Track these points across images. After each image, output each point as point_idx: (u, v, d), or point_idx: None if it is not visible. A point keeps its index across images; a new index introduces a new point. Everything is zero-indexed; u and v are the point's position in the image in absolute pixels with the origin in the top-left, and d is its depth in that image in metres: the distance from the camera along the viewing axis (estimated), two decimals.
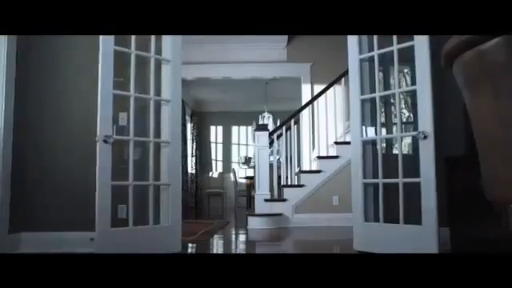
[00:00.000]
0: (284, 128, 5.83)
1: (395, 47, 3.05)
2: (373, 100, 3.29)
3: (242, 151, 11.15)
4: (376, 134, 3.27)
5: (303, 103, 6.21)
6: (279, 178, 6.05)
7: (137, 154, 3.36)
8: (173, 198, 3.22)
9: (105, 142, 2.85)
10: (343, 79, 5.72)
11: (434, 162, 2.79)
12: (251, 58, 6.69)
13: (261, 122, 8.35)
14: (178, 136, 3.32)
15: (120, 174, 3.07)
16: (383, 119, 3.67)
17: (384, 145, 3.56)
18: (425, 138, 2.83)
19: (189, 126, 10.08)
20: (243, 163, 9.85)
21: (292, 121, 5.87)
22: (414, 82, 3.00)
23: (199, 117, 10.74)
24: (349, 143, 5.42)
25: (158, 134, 3.28)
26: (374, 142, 3.33)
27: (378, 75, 3.20)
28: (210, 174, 10.50)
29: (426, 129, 2.83)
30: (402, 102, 3.67)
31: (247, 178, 9.04)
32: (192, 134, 10.27)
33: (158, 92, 3.27)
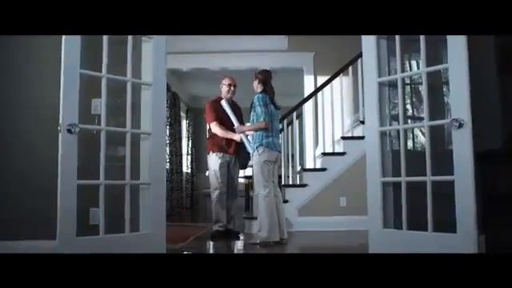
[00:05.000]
0: (285, 122, 5.31)
1: None
2: (391, 84, 2.79)
3: None
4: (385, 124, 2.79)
5: (305, 97, 5.69)
6: (280, 177, 5.54)
7: (114, 149, 2.88)
8: (155, 200, 2.71)
9: (69, 131, 2.34)
10: (350, 69, 5.21)
11: (471, 156, 2.28)
12: (250, 47, 6.15)
13: None
14: (161, 126, 2.80)
15: (93, 172, 2.57)
16: (396, 110, 3.20)
17: (394, 140, 3.07)
18: (460, 126, 2.32)
19: (184, 122, 9.57)
20: None
21: (294, 114, 5.36)
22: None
23: (195, 113, 10.21)
24: (357, 138, 5.01)
25: (138, 124, 2.78)
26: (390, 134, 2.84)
27: (400, 54, 2.68)
28: (207, 173, 9.98)
29: (462, 116, 2.32)
30: (408, 92, 3.22)
31: (245, 177, 8.55)
32: (188, 131, 9.76)
33: (137, 74, 2.76)
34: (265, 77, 3.91)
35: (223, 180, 4.26)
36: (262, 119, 3.72)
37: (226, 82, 4.42)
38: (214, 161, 4.31)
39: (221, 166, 4.26)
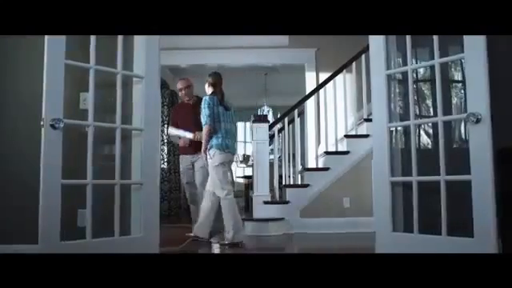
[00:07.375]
0: (286, 120, 5.13)
1: None
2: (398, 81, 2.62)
3: (240, 149, 10.45)
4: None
5: (307, 94, 5.50)
6: (280, 177, 5.36)
7: (105, 147, 2.70)
8: (147, 201, 2.53)
9: (52, 127, 2.15)
10: (354, 65, 5.03)
11: (490, 153, 2.10)
12: (250, 43, 5.96)
13: None
14: (155, 122, 2.62)
15: (81, 172, 2.39)
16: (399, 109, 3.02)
17: (398, 140, 2.89)
18: (477, 121, 2.14)
19: None
20: (241, 162, 9.17)
21: (295, 112, 5.17)
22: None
23: None
24: (361, 136, 4.84)
25: (130, 120, 2.60)
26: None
27: (410, 47, 2.49)
28: None
29: (480, 110, 2.14)
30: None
31: (245, 177, 8.38)
32: None
33: (129, 67, 2.58)
34: (214, 79, 4.00)
35: (188, 181, 4.36)
36: (203, 123, 3.79)
37: (178, 86, 4.44)
38: (180, 164, 4.44)
39: (185, 168, 4.35)
